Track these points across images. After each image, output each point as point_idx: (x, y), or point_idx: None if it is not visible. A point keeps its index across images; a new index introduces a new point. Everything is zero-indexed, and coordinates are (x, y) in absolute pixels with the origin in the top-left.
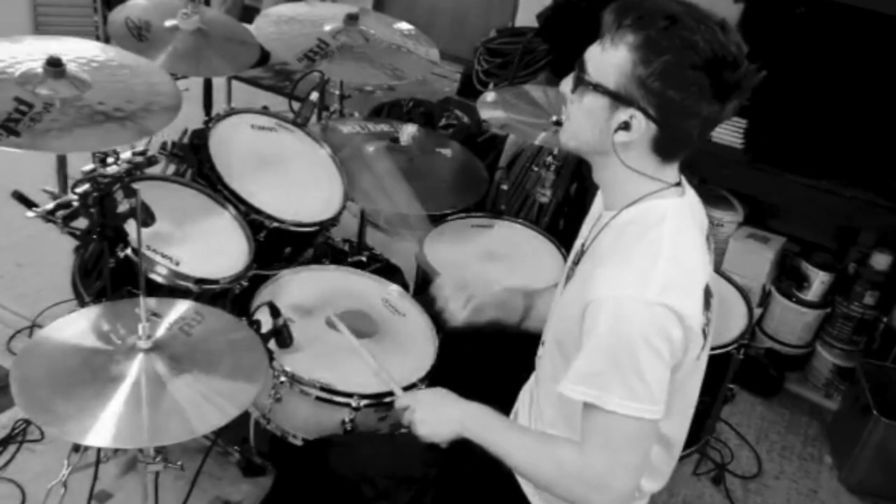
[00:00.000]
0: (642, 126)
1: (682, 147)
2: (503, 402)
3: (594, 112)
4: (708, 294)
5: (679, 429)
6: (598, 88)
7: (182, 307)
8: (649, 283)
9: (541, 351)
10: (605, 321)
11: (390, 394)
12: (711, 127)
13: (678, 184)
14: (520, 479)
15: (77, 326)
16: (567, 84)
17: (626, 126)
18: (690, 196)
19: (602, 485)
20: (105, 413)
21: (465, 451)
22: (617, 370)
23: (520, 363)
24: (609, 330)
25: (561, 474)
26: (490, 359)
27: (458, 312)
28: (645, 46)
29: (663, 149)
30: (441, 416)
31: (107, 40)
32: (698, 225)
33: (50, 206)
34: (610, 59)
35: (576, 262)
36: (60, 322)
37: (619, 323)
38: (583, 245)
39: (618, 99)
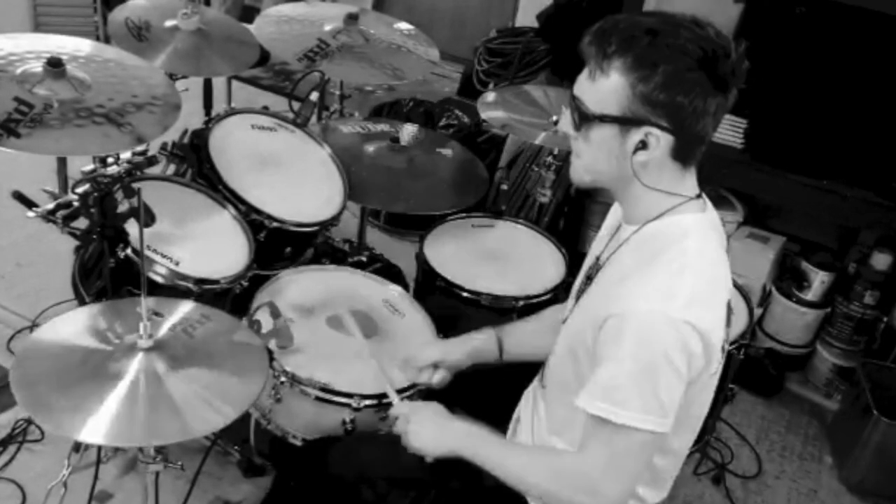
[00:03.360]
0: (660, 140)
1: (699, 147)
2: (504, 404)
3: (606, 142)
4: (729, 310)
5: (687, 440)
6: (604, 119)
7: (186, 308)
8: (674, 298)
9: (550, 361)
10: (628, 336)
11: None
12: (721, 118)
13: (699, 196)
14: None
15: (78, 324)
16: (567, 124)
17: (643, 145)
18: (711, 211)
19: (599, 490)
20: (102, 410)
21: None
22: (635, 385)
23: (522, 369)
24: (632, 345)
25: (557, 480)
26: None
27: (433, 380)
28: (637, 65)
29: (683, 154)
30: (435, 433)
31: (107, 40)
32: (720, 241)
33: (50, 206)
34: (604, 87)
35: (590, 276)
36: (61, 319)
37: (643, 338)
38: (598, 258)
39: (627, 122)
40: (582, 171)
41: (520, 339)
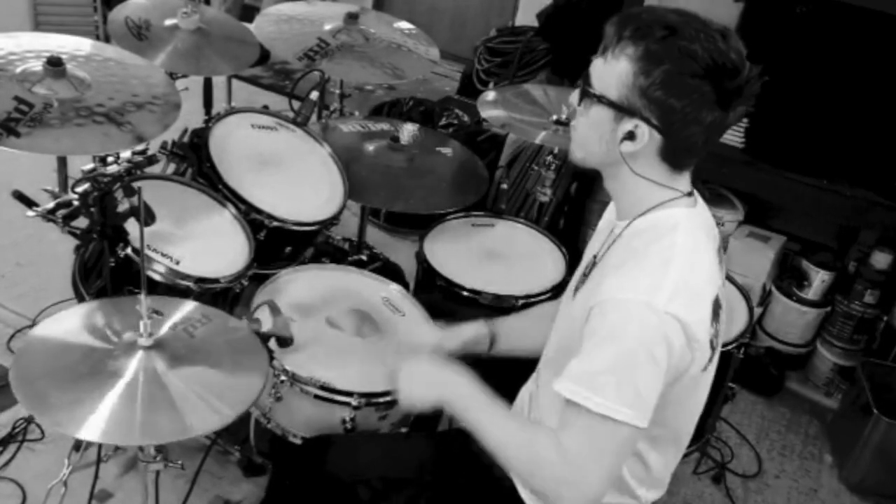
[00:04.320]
0: (646, 136)
1: (688, 155)
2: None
3: (599, 123)
4: (717, 305)
5: (683, 438)
6: (601, 100)
7: (187, 307)
8: (658, 290)
9: (544, 359)
10: (609, 323)
11: (390, 392)
12: (718, 134)
13: (690, 194)
14: (517, 483)
15: (78, 322)
16: (574, 96)
17: (630, 136)
18: (702, 207)
19: (573, 482)
20: (100, 408)
21: (461, 455)
22: (613, 373)
23: (520, 366)
24: (612, 332)
25: (534, 464)
26: (489, 361)
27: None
28: (644, 57)
29: (671, 157)
30: (424, 379)
31: (107, 39)
32: (710, 236)
33: (50, 205)
34: (611, 70)
35: (586, 274)
36: (61, 316)
37: (623, 327)
38: (594, 256)
39: (621, 110)
40: (575, 146)
41: (510, 335)
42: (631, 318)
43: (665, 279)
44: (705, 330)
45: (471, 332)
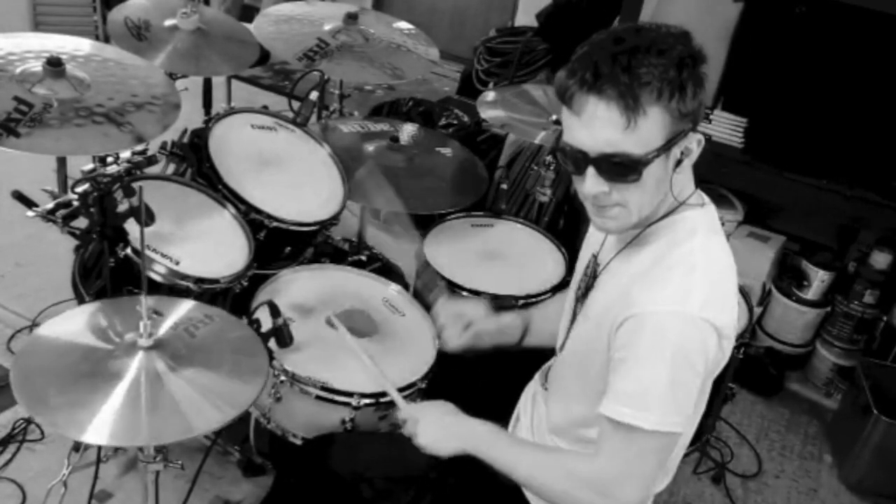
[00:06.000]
0: (694, 144)
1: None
2: (502, 405)
3: (656, 175)
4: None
5: (692, 431)
6: (658, 154)
7: (189, 308)
8: (689, 298)
9: (556, 363)
10: (647, 338)
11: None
12: None
13: (695, 189)
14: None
15: (78, 323)
16: (600, 182)
17: (682, 156)
18: (709, 204)
19: (613, 493)
20: (102, 409)
21: (464, 453)
22: (656, 387)
23: (521, 368)
24: (651, 347)
25: (571, 483)
26: (490, 362)
27: (454, 339)
28: (668, 87)
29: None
30: (444, 432)
31: (106, 40)
32: (721, 233)
33: (50, 205)
34: (646, 126)
35: (591, 278)
36: (62, 318)
37: (662, 340)
38: (595, 257)
39: (670, 144)
40: (631, 216)
41: (540, 329)
42: (667, 330)
43: (694, 286)
44: (734, 327)
45: (507, 320)
